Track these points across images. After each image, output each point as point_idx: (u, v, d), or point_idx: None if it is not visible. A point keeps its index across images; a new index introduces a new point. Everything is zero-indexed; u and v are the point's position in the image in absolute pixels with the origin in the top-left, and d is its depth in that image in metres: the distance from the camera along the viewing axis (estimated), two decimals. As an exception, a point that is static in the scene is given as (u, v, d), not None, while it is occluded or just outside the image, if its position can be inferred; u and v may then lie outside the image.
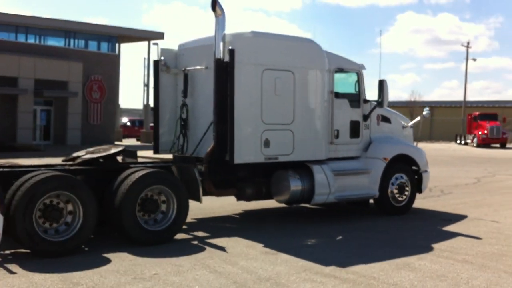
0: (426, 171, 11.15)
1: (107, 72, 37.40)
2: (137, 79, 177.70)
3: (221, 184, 9.12)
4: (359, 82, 10.51)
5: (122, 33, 39.37)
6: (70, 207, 7.32)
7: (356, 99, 10.46)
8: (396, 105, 73.44)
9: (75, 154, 8.83)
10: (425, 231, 9.11)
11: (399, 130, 11.48)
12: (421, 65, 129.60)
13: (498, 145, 46.12)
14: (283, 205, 10.17)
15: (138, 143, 39.94)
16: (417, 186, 10.92)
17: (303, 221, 9.76)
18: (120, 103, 46.26)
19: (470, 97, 67.11)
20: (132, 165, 8.58)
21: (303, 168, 9.55)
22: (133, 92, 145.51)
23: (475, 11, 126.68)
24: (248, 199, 9.63)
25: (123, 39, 40.63)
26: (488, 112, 53.49)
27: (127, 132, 47.04)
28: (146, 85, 43.41)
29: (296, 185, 9.36)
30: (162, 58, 10.14)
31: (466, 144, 50.21)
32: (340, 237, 8.49)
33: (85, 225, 7.32)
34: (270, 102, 9.16)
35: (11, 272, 6.35)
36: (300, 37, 10.02)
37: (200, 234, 8.60)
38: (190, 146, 9.71)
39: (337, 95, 10.12)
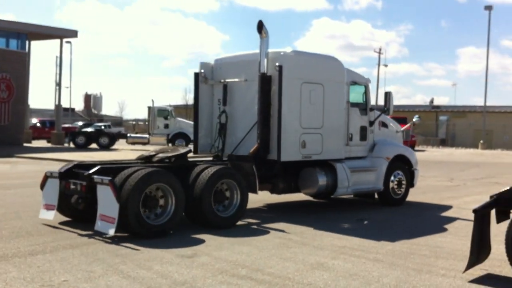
0: (416, 169, 13.12)
1: (16, 71, 35.70)
2: (48, 78, 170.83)
3: (260, 179, 10.31)
4: (366, 93, 12.42)
5: (33, 30, 37.70)
6: (162, 196, 8.77)
7: (363, 107, 12.30)
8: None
9: (146, 154, 10.38)
10: (339, 231, 9.31)
11: (394, 134, 13.48)
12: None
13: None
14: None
15: (49, 145, 38.34)
16: (410, 181, 12.89)
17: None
18: (30, 103, 44.18)
19: (382, 101, 69.55)
20: (198, 163, 10.02)
21: (326, 166, 11.26)
22: (44, 91, 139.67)
23: (386, 19, 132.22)
24: (280, 192, 11.35)
25: (34, 36, 38.95)
26: (398, 116, 55.76)
27: (37, 133, 44.91)
28: (58, 85, 41.77)
29: (322, 180, 11.11)
30: (202, 70, 11.78)
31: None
32: (259, 239, 8.49)
33: (177, 210, 8.79)
34: (306, 110, 10.82)
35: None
36: (328, 55, 11.90)
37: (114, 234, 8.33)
38: (227, 148, 11.42)
39: (351, 104, 11.90)
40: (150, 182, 8.55)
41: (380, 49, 68.43)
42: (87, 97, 79.73)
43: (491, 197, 6.64)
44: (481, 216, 6.44)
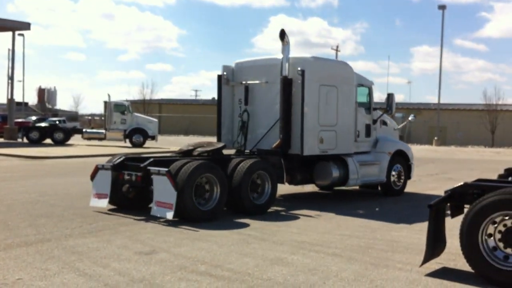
0: (412, 163, 14.58)
1: (-35, 63, 34.48)
2: (0, 72, 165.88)
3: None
4: (370, 94, 13.77)
5: (-17, 21, 36.51)
6: (208, 186, 9.88)
7: (368, 107, 13.62)
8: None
9: (184, 148, 11.50)
10: (298, 226, 9.36)
11: (392, 131, 14.87)
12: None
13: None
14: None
15: (1, 140, 37.21)
16: (407, 174, 14.32)
17: (180, 221, 9.59)
18: (-19, 97, 42.79)
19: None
20: (232, 157, 11.39)
21: (338, 160, 12.46)
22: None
23: (342, 17, 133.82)
24: (297, 183, 12.56)
25: (-16, 28, 37.71)
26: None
27: (-12, 128, 43.57)
28: (11, 78, 40.65)
29: (336, 172, 12.32)
30: (225, 73, 12.89)
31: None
32: (219, 235, 8.45)
33: (222, 197, 9.89)
34: (323, 109, 12.01)
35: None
36: (341, 61, 13.73)
37: (69, 232, 8.15)
38: (249, 143, 12.56)
39: (358, 104, 13.08)
40: (200, 173, 9.69)
41: (337, 47, 69.28)
42: (41, 91, 77.64)
43: (445, 192, 6.79)
44: (436, 211, 6.58)
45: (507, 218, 6.02)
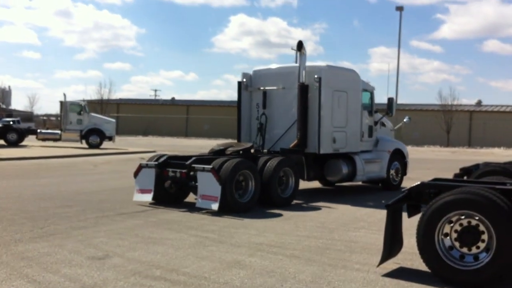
0: (407, 160, 16.28)
1: None
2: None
3: None
4: (372, 98, 15.21)
5: None
6: (243, 180, 11.08)
7: (370, 110, 15.10)
8: (232, 104, 75.61)
9: (216, 148, 12.79)
10: (256, 227, 9.26)
11: (389, 132, 16.52)
12: (253, 66, 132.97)
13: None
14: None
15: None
16: (404, 170, 16.00)
17: (135, 225, 9.36)
18: None
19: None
20: (259, 155, 12.43)
21: (346, 158, 13.89)
22: None
23: (302, 17, 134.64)
24: (311, 179, 14.03)
25: None
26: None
27: None
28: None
29: (345, 169, 13.74)
30: (244, 80, 14.21)
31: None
32: (175, 237, 8.26)
33: (256, 191, 11.16)
34: (336, 112, 13.45)
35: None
36: (350, 68, 14.86)
37: (19, 237, 7.82)
38: (266, 143, 13.83)
39: (362, 107, 14.52)
40: (240, 169, 10.88)
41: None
42: (-6, 91, 75.43)
43: (402, 192, 6.80)
44: (393, 211, 6.57)
45: (463, 217, 6.05)
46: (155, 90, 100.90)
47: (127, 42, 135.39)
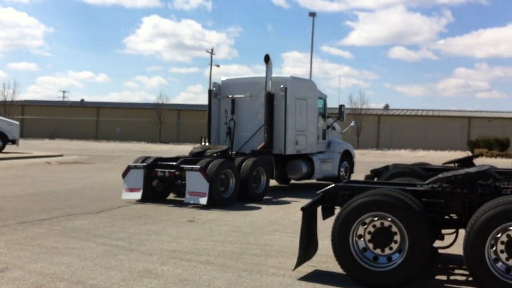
0: (354, 160, 18.45)
1: None
2: None
3: None
4: (325, 105, 17.28)
5: None
6: (225, 178, 12.54)
7: (323, 115, 17.12)
8: (145, 107, 74.15)
9: (195, 151, 14.15)
10: (169, 234, 8.94)
11: (338, 134, 18.72)
12: (167, 68, 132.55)
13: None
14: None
15: None
16: (351, 169, 18.11)
17: (40, 234, 8.75)
18: None
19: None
20: (234, 156, 14.10)
21: (305, 158, 15.78)
22: None
23: (216, 20, 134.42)
24: (274, 178, 15.50)
25: None
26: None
27: None
28: None
29: (305, 168, 15.65)
30: (214, 88, 15.90)
31: (209, 146, 52.71)
32: (82, 247, 7.77)
33: (236, 187, 12.71)
34: (298, 118, 15.35)
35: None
36: (308, 79, 17.88)
37: None
38: (235, 146, 15.28)
39: (318, 113, 16.56)
40: (223, 168, 12.31)
41: (212, 50, 69.55)
42: None
43: (317, 194, 6.75)
44: (308, 214, 6.50)
45: (376, 219, 6.07)
46: (64, 92, 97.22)
47: (33, 41, 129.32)
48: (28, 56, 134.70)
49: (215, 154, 13.61)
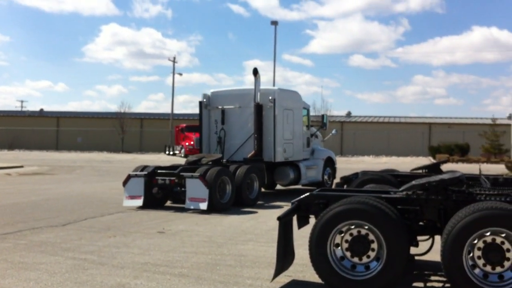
0: (336, 167, 19.31)
1: None
2: None
3: None
4: (308, 114, 18.22)
5: None
6: (221, 184, 13.32)
7: (307, 124, 17.98)
8: (106, 116, 73.04)
9: (190, 159, 14.94)
10: (139, 246, 8.72)
11: (320, 142, 19.71)
12: (127, 77, 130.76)
13: (202, 155, 48.98)
14: None
15: None
16: (333, 175, 18.84)
17: (5, 248, 8.43)
18: None
19: (176, 110, 70.28)
20: (228, 164, 14.94)
21: (292, 165, 16.64)
22: None
23: (177, 28, 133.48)
24: (265, 183, 15.94)
25: None
26: (194, 124, 56.52)
27: None
28: None
29: (292, 174, 16.50)
30: (204, 100, 16.70)
31: (174, 154, 52.15)
32: (50, 261, 7.50)
33: (232, 193, 13.55)
34: (285, 127, 16.31)
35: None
36: (294, 90, 17.75)
37: None
38: (225, 154, 16.06)
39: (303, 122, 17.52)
40: (221, 175, 13.11)
41: (174, 58, 68.99)
42: None
43: (292, 203, 6.69)
44: (284, 223, 6.43)
45: (353, 227, 6.04)
46: (22, 101, 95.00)
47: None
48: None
49: (210, 163, 14.26)
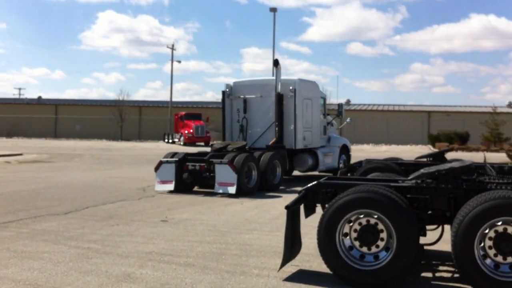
0: (351, 154, 20.43)
1: None
2: None
3: None
4: (325, 103, 19.22)
5: None
6: (248, 169, 14.16)
7: (324, 112, 18.93)
8: (105, 103, 72.73)
9: (217, 146, 15.77)
10: (143, 235, 8.64)
11: (335, 130, 20.80)
12: (125, 64, 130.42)
13: (202, 143, 48.99)
14: None
15: None
16: (349, 162, 19.25)
17: (7, 237, 8.34)
18: None
19: (174, 98, 69.97)
20: (251, 151, 15.38)
21: (310, 152, 17.43)
22: None
23: (174, 16, 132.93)
24: (287, 169, 16.56)
25: None
26: (193, 112, 56.50)
27: None
28: None
29: (310, 161, 17.26)
30: (227, 89, 17.53)
31: (173, 142, 52.13)
32: (54, 250, 7.42)
33: (258, 178, 14.36)
34: (305, 116, 17.16)
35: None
36: (312, 80, 18.75)
37: None
38: (247, 142, 16.79)
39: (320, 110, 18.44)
40: (248, 161, 13.91)
41: (173, 45, 68.52)
42: None
43: (299, 192, 6.61)
44: (292, 212, 6.35)
45: (361, 216, 5.95)
46: (19, 89, 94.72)
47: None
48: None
49: (234, 150, 15.00)
